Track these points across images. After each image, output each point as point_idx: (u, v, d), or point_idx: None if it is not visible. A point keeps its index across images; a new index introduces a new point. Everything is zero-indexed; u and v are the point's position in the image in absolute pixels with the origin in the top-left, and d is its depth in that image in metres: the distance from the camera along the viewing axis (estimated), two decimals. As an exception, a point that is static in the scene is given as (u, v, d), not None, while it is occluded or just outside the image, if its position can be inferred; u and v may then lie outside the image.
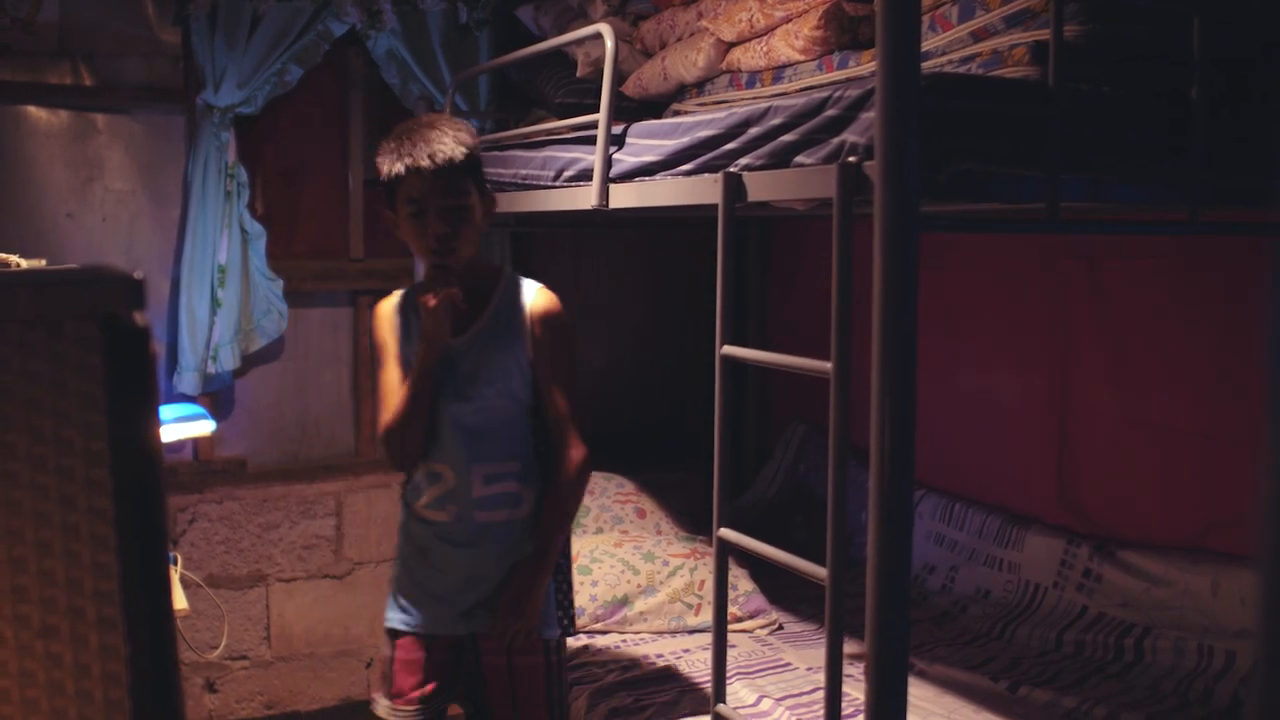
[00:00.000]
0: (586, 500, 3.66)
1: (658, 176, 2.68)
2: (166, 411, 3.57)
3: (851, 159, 1.99)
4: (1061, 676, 3.12)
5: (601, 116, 2.86)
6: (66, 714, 1.17)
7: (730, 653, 3.29)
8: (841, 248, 1.98)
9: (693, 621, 3.52)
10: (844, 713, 2.28)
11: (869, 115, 1.98)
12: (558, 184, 3.17)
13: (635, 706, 2.98)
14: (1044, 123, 2.02)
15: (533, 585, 2.48)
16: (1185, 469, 3.20)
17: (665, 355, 4.91)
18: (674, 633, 3.51)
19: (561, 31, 3.65)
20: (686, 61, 3.02)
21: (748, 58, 2.84)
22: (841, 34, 2.59)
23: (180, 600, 3.16)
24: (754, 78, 2.85)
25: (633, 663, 3.28)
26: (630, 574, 3.59)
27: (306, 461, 4.48)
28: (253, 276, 4.16)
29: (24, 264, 2.12)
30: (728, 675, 2.77)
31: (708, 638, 3.01)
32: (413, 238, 2.50)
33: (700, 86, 3.09)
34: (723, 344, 2.33)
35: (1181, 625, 3.10)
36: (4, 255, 2.33)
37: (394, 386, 2.55)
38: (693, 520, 4.10)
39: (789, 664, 3.25)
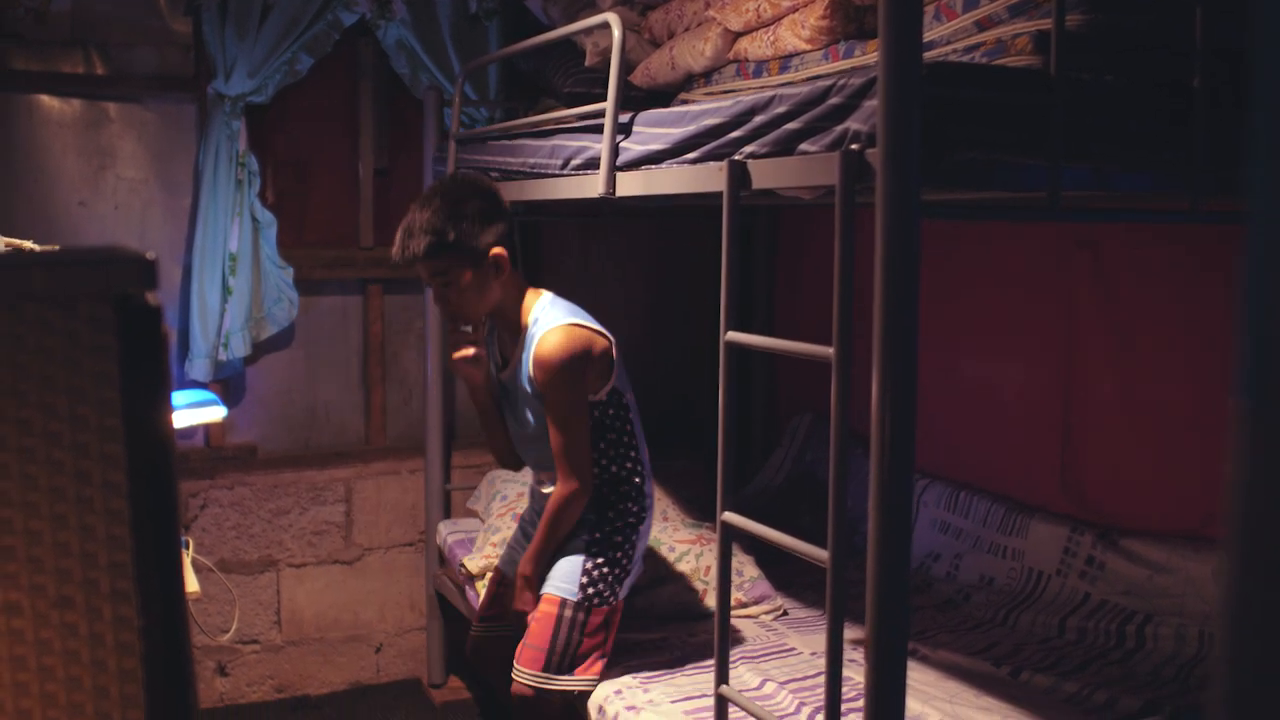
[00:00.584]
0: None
1: (664, 164, 2.70)
2: (178, 397, 3.60)
3: (854, 147, 2.01)
4: (1063, 662, 3.14)
5: (609, 105, 2.89)
6: (81, 682, 1.20)
7: (734, 637, 3.32)
8: (844, 234, 2.00)
9: (699, 607, 3.55)
10: (846, 696, 2.31)
11: (872, 103, 2.00)
12: (565, 172, 3.20)
13: (640, 687, 3.01)
14: (1046, 111, 2.04)
15: (520, 569, 3.10)
16: (1188, 457, 3.22)
17: (670, 346, 4.94)
18: (680, 618, 3.54)
19: (570, 21, 3.67)
20: (694, 51, 3.04)
21: (755, 47, 2.86)
22: (848, 23, 2.61)
23: (192, 583, 3.19)
24: (761, 67, 2.88)
25: (638, 646, 3.31)
26: (637, 560, 3.61)
27: (317, 448, 4.52)
28: (263, 264, 4.20)
29: (38, 251, 2.15)
30: (732, 659, 2.80)
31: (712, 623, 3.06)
32: None
33: (708, 76, 3.11)
34: (727, 330, 2.36)
35: (1183, 612, 3.12)
36: (18, 242, 2.37)
37: None
38: (699, 508, 4.12)
39: (793, 649, 3.27)
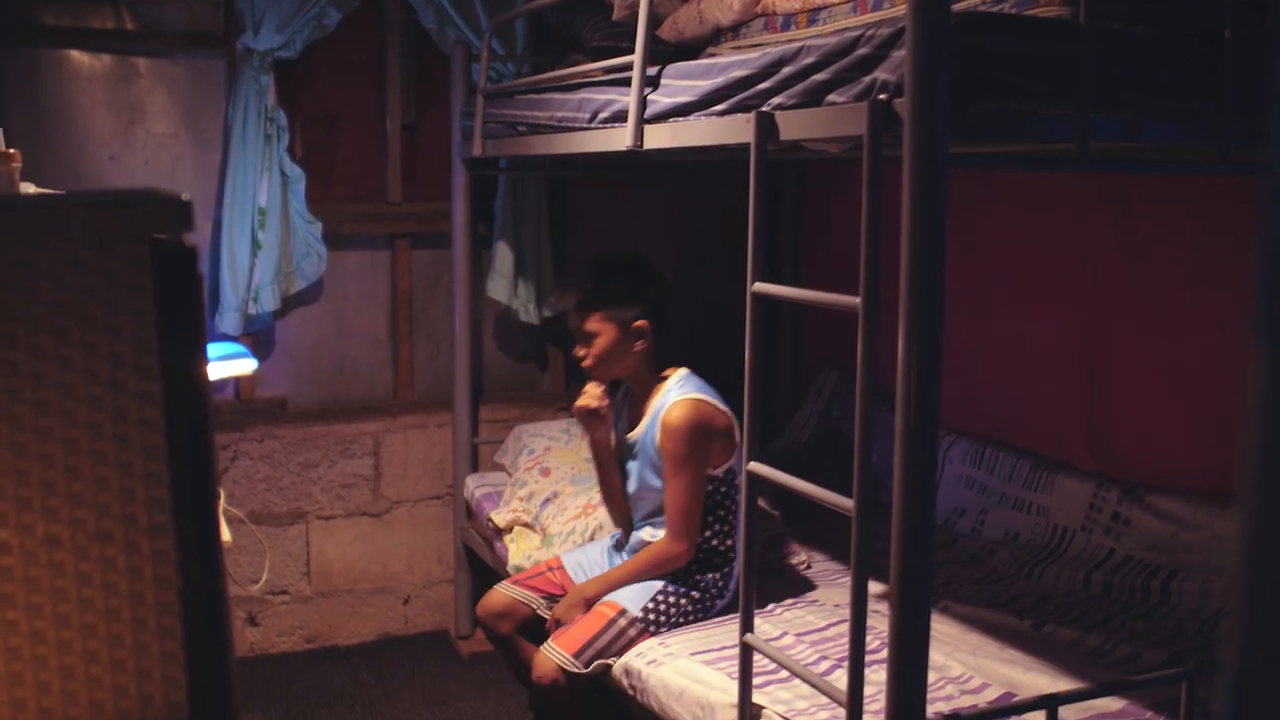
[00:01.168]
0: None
1: (692, 117, 2.70)
2: (209, 350, 3.63)
3: (882, 97, 2.01)
4: (1087, 616, 3.15)
5: (636, 58, 2.88)
6: (120, 614, 1.23)
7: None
8: (871, 185, 2.00)
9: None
10: (869, 647, 2.33)
11: (900, 54, 2.00)
12: (593, 125, 3.20)
13: (659, 642, 3.04)
14: (1075, 62, 2.03)
15: (584, 587, 3.25)
16: (1214, 413, 3.22)
17: (697, 306, 4.94)
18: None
19: (598, -25, 3.67)
20: (722, 5, 3.03)
21: (783, 1, 2.85)
22: (876, -25, 2.59)
23: (224, 533, 3.24)
24: (789, 20, 2.87)
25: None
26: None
27: (345, 402, 4.56)
28: (292, 219, 4.22)
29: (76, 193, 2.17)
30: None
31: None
32: None
33: (735, 31, 3.10)
34: (754, 281, 2.36)
35: (1208, 568, 3.13)
36: (50, 194, 2.39)
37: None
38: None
39: (815, 601, 3.30)
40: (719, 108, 2.57)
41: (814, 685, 2.28)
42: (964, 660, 2.83)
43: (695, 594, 3.18)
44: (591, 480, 3.93)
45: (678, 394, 3.17)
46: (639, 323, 3.23)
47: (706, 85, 2.62)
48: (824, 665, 2.81)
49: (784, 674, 2.73)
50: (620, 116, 3.02)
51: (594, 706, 3.21)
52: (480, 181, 4.50)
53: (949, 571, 3.54)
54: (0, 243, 1.14)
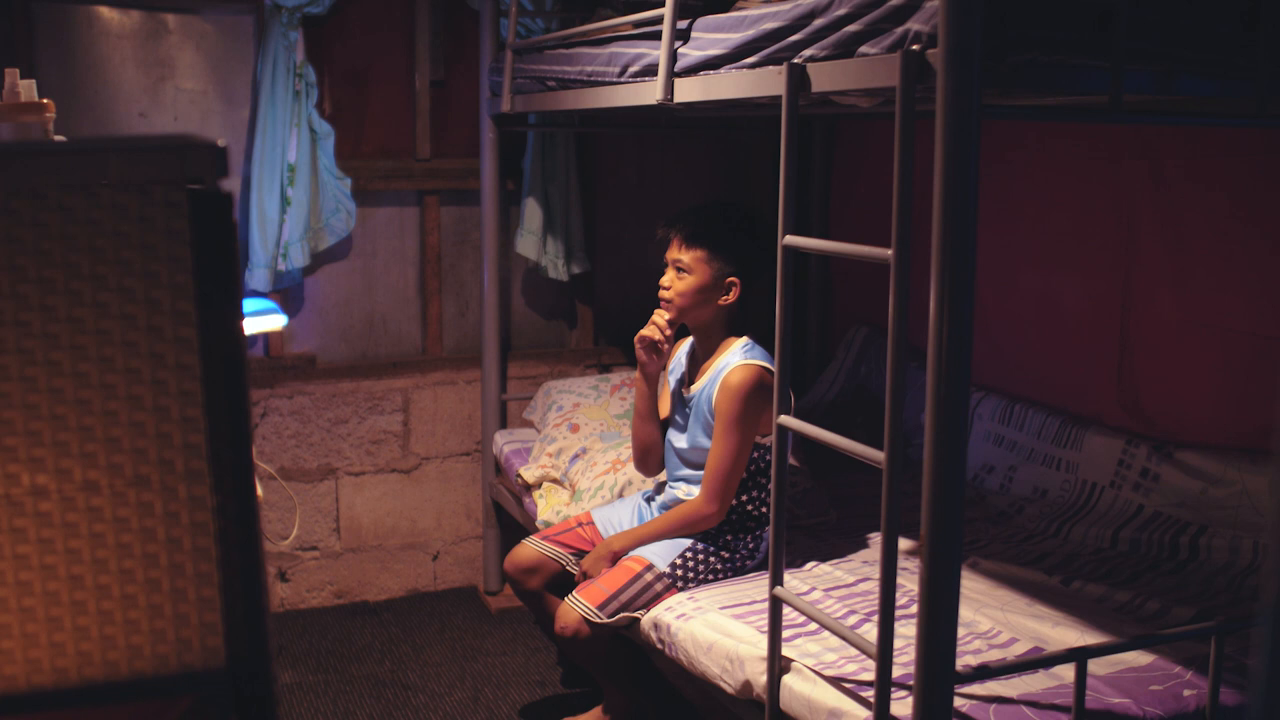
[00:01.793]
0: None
1: (722, 70, 2.69)
2: (239, 305, 3.65)
3: (915, 47, 2.00)
4: (1116, 572, 3.15)
5: (667, 11, 2.87)
6: (157, 559, 1.25)
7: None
8: (904, 137, 1.99)
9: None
10: (898, 603, 2.34)
11: (934, 4, 1.98)
12: (623, 79, 3.19)
13: (688, 596, 3.05)
14: (1110, 13, 2.01)
15: (613, 540, 3.25)
16: (1245, 369, 3.20)
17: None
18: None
19: (627, -72, 3.64)
20: (752, -44, 3.00)
21: (814, -48, 2.83)
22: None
23: (256, 487, 3.26)
24: (820, -28, 2.84)
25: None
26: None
27: (374, 358, 4.57)
28: (321, 175, 4.22)
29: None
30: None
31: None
32: None
33: (766, -17, 3.08)
34: (784, 234, 2.36)
35: (1237, 524, 3.12)
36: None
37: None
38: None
39: (843, 557, 3.30)
40: (750, 60, 2.56)
41: (845, 638, 2.29)
42: (992, 615, 2.83)
43: (725, 554, 3.20)
44: (620, 436, 3.95)
45: (742, 358, 3.17)
46: (733, 278, 3.21)
47: (737, 38, 2.60)
48: (853, 620, 2.82)
49: (812, 627, 2.75)
50: (650, 70, 3.01)
51: (618, 658, 3.23)
52: (509, 138, 4.49)
53: (977, 528, 3.54)
54: (37, 188, 1.15)
